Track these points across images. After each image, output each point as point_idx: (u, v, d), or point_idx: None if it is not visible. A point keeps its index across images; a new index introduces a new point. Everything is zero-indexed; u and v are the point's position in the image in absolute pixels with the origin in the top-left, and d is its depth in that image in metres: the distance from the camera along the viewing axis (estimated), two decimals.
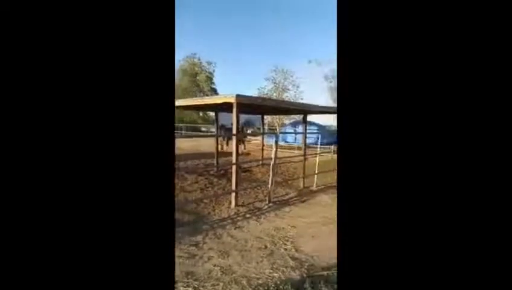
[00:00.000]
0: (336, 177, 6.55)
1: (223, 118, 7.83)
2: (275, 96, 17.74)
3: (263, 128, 8.98)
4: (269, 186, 4.41)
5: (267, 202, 4.32)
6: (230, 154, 5.73)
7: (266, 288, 2.08)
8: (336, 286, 2.06)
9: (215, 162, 7.06)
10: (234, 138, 4.19)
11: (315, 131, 12.58)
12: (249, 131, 19.20)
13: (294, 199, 4.73)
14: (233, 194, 4.17)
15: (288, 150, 11.29)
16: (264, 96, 16.78)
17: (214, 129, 8.34)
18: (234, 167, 4.17)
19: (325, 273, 2.26)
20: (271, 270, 2.36)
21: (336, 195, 5.01)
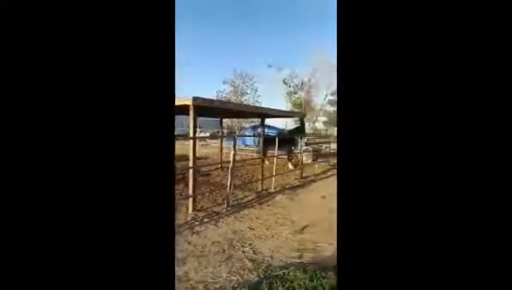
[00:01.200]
0: (293, 178, 6.80)
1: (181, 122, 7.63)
2: (233, 99, 17.82)
3: (222, 132, 8.95)
4: (228, 189, 4.40)
5: (225, 205, 4.30)
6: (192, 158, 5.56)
7: None
8: (292, 284, 2.12)
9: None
10: (191, 141, 4.11)
11: (273, 134, 12.85)
12: (206, 134, 18.96)
13: (253, 201, 4.77)
14: (190, 199, 4.08)
15: (247, 153, 11.38)
16: (223, 99, 16.75)
17: None
18: (191, 171, 4.08)
19: (281, 272, 2.32)
20: (228, 274, 2.35)
21: (292, 196, 5.19)
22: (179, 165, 7.21)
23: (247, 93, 18.74)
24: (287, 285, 2.13)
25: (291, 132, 11.03)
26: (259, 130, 8.30)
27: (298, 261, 2.62)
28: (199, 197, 4.74)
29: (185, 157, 8.74)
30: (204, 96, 4.18)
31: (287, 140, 8.64)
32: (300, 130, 10.13)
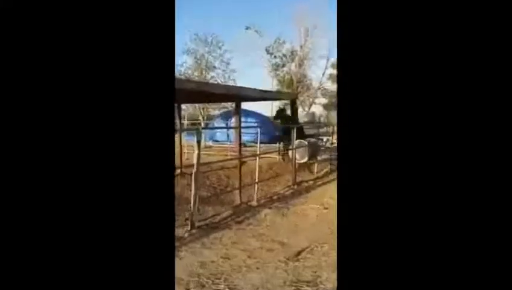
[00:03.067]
0: (284, 185, 6.89)
1: None
2: (195, 76, 17.56)
3: (180, 123, 8.86)
4: (191, 205, 4.39)
5: (188, 227, 4.29)
6: None
7: None
8: None
9: None
10: None
11: (254, 124, 12.88)
12: None
13: (228, 219, 4.82)
14: None
15: (218, 152, 11.38)
16: (181, 77, 16.47)
17: None
18: None
19: None
20: None
21: (283, 210, 5.27)
22: None
23: (215, 68, 18.49)
24: None
25: (275, 118, 10.99)
26: (234, 119, 8.32)
27: None
28: None
29: None
30: None
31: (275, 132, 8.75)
32: (287, 118, 10.19)
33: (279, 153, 9.71)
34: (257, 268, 3.28)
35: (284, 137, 9.09)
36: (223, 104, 16.48)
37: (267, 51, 19.60)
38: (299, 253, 3.63)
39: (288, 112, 10.99)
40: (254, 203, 5.68)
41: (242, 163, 6.30)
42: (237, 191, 5.83)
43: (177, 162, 8.43)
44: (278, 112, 10.54)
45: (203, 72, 17.85)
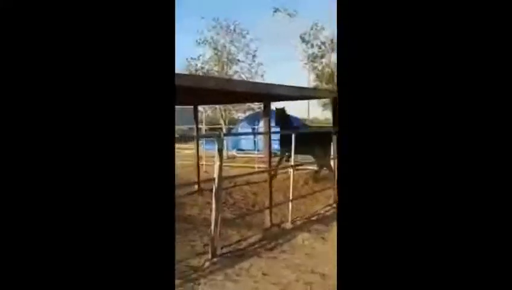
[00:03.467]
0: (324, 203, 6.75)
1: None
2: (215, 72, 17.67)
3: (197, 129, 8.91)
4: (212, 228, 4.35)
5: (209, 256, 4.26)
6: None
7: None
8: None
9: None
10: None
11: (286, 131, 12.74)
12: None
13: (257, 245, 4.78)
14: None
15: (244, 164, 11.38)
16: (197, 73, 16.66)
17: None
18: None
19: None
20: None
21: (323, 233, 5.14)
22: None
23: (239, 61, 18.55)
24: None
25: (276, 123, 9.81)
26: (262, 123, 8.26)
27: None
28: None
29: None
30: None
31: (314, 138, 8.60)
32: (286, 119, 9.65)
33: (318, 165, 9.53)
34: None
35: (326, 145, 8.79)
36: (249, 105, 16.49)
37: (302, 39, 19.31)
38: None
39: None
40: (288, 225, 5.60)
41: (273, 176, 6.22)
42: (267, 211, 5.76)
43: (193, 176, 8.49)
44: (277, 113, 9.79)
45: (225, 67, 17.89)
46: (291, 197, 5.93)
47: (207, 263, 4.12)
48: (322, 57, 20.40)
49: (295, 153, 6.19)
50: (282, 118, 9.69)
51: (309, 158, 9.29)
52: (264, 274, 3.86)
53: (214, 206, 4.41)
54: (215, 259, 4.23)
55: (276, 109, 9.89)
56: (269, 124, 6.04)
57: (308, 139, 8.34)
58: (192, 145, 13.82)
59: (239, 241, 4.91)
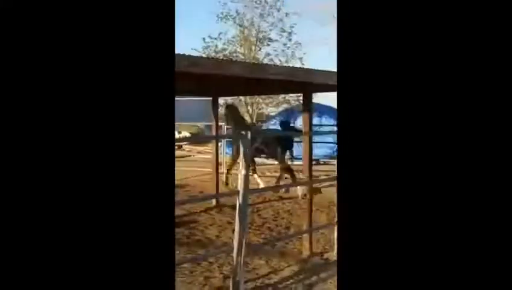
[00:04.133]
0: None
1: None
2: (240, 55, 17.56)
3: (217, 127, 8.93)
4: (234, 255, 4.32)
5: None
6: None
7: None
8: None
9: None
10: None
11: (333, 129, 12.68)
12: (183, 133, 18.53)
13: (292, 280, 4.74)
14: None
15: (275, 173, 11.35)
16: (217, 56, 16.58)
17: None
18: None
19: None
20: None
21: None
22: None
23: (271, 40, 18.38)
24: None
25: (282, 126, 11.47)
26: (301, 120, 8.22)
27: None
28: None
29: None
30: (176, 51, 4.16)
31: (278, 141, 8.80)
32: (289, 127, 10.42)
33: None
34: None
35: None
36: (284, 97, 16.42)
37: None
38: None
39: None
40: (333, 255, 5.47)
41: (314, 191, 6.15)
42: (306, 236, 5.68)
43: (210, 187, 8.52)
44: (281, 124, 11.15)
45: (253, 48, 17.71)
46: (336, 219, 5.85)
47: None
48: None
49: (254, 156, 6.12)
50: (235, 117, 10.26)
51: None
52: None
53: (237, 227, 4.36)
54: None
55: (227, 106, 11.10)
56: (310, 122, 5.96)
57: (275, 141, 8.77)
58: (209, 147, 13.90)
59: (268, 274, 4.89)
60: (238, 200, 4.36)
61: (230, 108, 10.63)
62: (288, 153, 10.25)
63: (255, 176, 9.96)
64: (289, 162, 10.28)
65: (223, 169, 9.97)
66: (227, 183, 9.71)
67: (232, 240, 4.45)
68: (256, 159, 10.68)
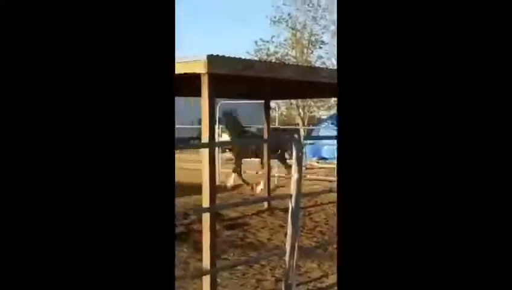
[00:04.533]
0: None
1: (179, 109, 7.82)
2: (291, 58, 17.51)
3: (268, 130, 8.95)
4: (286, 258, 4.32)
5: None
6: (195, 188, 5.59)
7: None
8: None
9: None
10: (205, 154, 4.14)
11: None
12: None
13: None
14: (206, 281, 4.14)
15: (326, 176, 11.27)
16: (269, 58, 16.57)
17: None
18: (207, 218, 4.14)
19: None
20: None
21: None
22: (178, 202, 7.35)
23: (323, 43, 18.25)
24: None
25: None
26: None
27: None
28: (225, 275, 4.82)
29: (189, 188, 8.91)
30: (230, 54, 4.20)
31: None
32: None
33: None
34: None
35: None
36: (335, 99, 16.31)
37: None
38: None
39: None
40: None
41: None
42: None
43: (261, 189, 8.54)
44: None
45: (305, 51, 17.63)
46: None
47: None
48: None
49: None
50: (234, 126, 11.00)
51: None
52: None
53: (289, 230, 4.34)
54: None
55: (224, 113, 11.48)
56: None
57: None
58: (258, 151, 13.94)
59: (321, 277, 4.88)
60: (291, 204, 4.36)
61: (228, 118, 11.24)
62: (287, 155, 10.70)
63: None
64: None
65: (274, 172, 9.98)
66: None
67: (284, 243, 4.46)
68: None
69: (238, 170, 10.48)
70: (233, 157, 11.42)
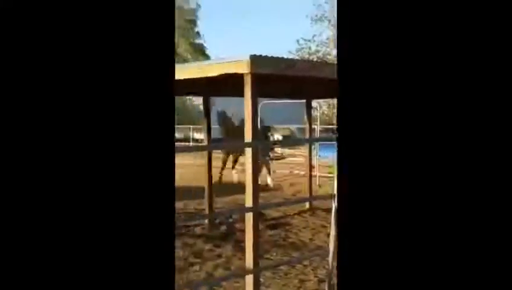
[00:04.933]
0: None
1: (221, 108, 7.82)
2: (334, 57, 17.36)
3: (310, 130, 8.90)
4: (329, 259, 4.29)
5: None
6: (238, 187, 5.63)
7: None
8: None
9: (206, 206, 7.20)
10: (248, 153, 4.15)
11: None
12: (275, 136, 18.54)
13: None
14: (249, 280, 4.16)
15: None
16: (310, 57, 16.44)
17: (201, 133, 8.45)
18: (250, 218, 4.15)
19: None
20: None
21: None
22: (219, 203, 7.39)
23: None
24: None
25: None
26: None
27: None
28: (267, 274, 4.83)
29: (231, 188, 8.91)
30: (273, 54, 4.20)
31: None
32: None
33: None
34: None
35: None
36: None
37: None
38: None
39: None
40: None
41: None
42: None
43: (303, 190, 8.50)
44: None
45: None
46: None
47: None
48: None
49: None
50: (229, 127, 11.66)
51: None
52: None
53: (332, 231, 4.32)
54: None
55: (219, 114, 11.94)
56: None
57: None
58: (302, 150, 13.89)
59: None
60: (334, 204, 4.34)
61: (224, 119, 11.99)
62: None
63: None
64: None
65: (316, 172, 9.93)
66: (220, 182, 10.79)
67: (327, 244, 4.44)
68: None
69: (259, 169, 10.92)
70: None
